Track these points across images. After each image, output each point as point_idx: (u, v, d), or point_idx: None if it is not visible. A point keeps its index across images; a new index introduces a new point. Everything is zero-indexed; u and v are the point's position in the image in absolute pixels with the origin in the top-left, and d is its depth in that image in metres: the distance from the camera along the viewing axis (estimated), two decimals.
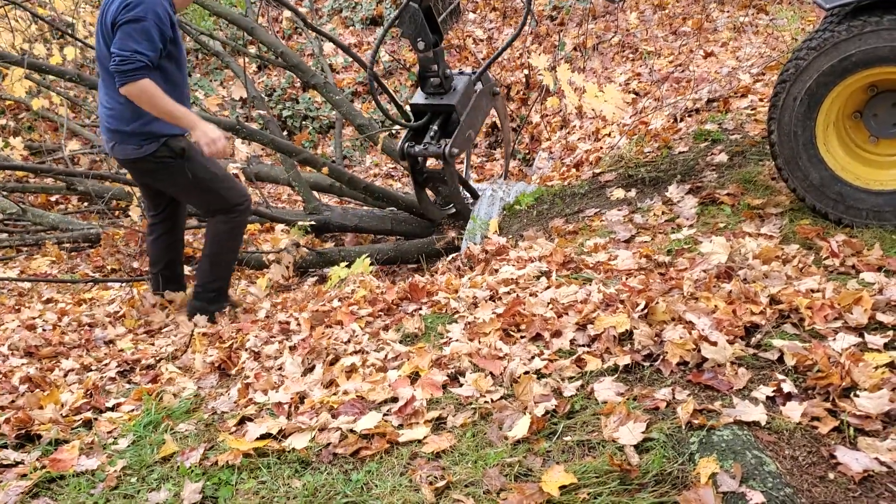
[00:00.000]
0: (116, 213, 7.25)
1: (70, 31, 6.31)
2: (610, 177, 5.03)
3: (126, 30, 3.62)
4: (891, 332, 2.69)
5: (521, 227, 4.73)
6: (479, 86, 4.77)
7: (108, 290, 5.15)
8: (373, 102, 9.52)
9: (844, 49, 3.56)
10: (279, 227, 6.23)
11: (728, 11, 8.23)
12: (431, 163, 5.05)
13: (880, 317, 2.78)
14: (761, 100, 5.73)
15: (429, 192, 5.19)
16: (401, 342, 3.18)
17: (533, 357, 2.81)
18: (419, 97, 4.70)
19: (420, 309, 3.51)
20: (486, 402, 2.59)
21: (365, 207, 6.56)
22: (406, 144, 4.63)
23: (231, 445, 2.47)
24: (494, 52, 9.01)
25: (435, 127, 4.64)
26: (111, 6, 3.71)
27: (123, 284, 5.39)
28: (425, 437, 2.45)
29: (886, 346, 2.61)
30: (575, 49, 8.25)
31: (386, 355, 3.03)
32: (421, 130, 4.69)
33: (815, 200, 3.78)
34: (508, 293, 3.40)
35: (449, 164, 4.60)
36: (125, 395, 3.16)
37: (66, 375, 3.49)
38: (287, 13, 9.85)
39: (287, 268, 5.02)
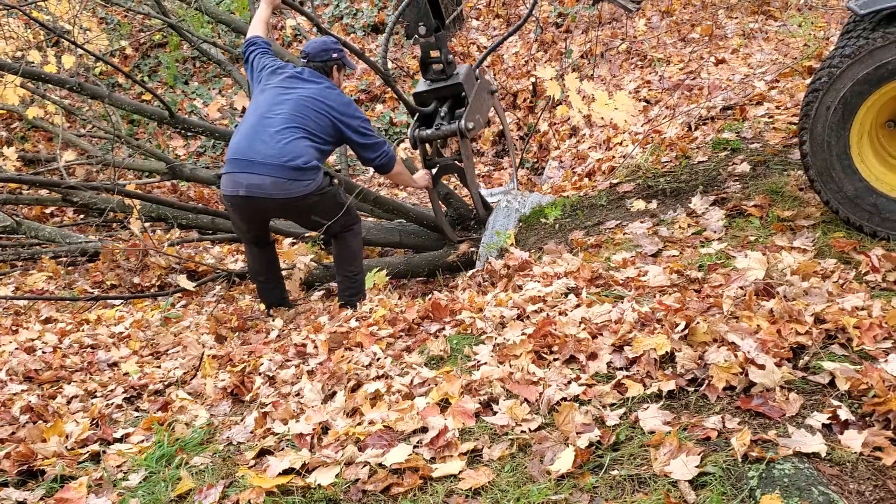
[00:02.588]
0: (115, 225, 7.07)
1: (70, 38, 6.12)
2: (628, 187, 4.89)
3: (366, 127, 4.40)
4: None
5: (539, 240, 4.58)
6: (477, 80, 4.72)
7: (114, 309, 4.97)
8: (375, 110, 9.41)
9: (880, 57, 3.45)
10: (287, 240, 6.06)
11: (737, 18, 8.10)
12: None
13: None
14: (777, 107, 5.60)
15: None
16: (426, 365, 3.01)
17: (569, 382, 2.66)
18: (423, 85, 4.69)
19: (443, 329, 3.35)
20: (523, 431, 2.43)
21: (371, 219, 6.39)
22: (417, 130, 4.64)
23: (253, 483, 2.30)
24: (500, 59, 8.90)
25: (444, 109, 4.65)
26: (333, 97, 4.35)
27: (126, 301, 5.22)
28: (461, 472, 2.28)
29: None
30: (582, 56, 8.11)
31: (411, 380, 2.86)
32: (429, 118, 4.68)
33: (849, 213, 3.64)
34: (537, 312, 3.24)
35: (466, 138, 4.58)
36: (134, 425, 2.98)
37: (69, 403, 3.31)
38: (288, 21, 9.70)
39: (296, 283, 4.87)
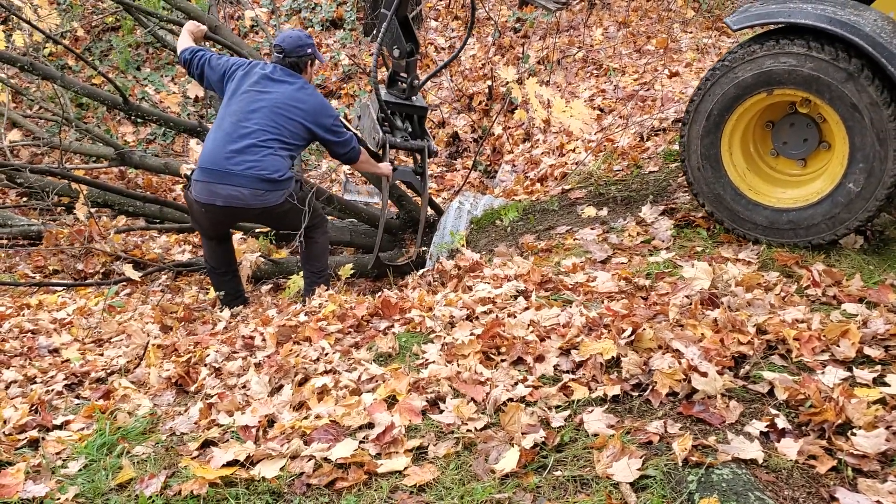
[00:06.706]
0: (59, 210, 6.91)
1: (22, 16, 5.97)
2: (580, 194, 4.95)
3: (337, 126, 4.52)
4: (879, 367, 2.64)
5: (490, 242, 4.61)
6: None
7: (56, 295, 4.86)
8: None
9: (704, 109, 3.71)
10: (236, 235, 5.98)
11: (691, 32, 8.25)
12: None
13: (867, 350, 2.74)
14: None
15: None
16: (374, 362, 3.01)
17: (516, 383, 2.68)
18: (390, 96, 4.81)
19: (392, 327, 3.36)
20: (468, 430, 2.45)
21: None
22: (388, 135, 4.77)
23: (196, 473, 2.27)
24: (457, 61, 8.92)
25: (408, 125, 4.83)
26: (306, 99, 4.39)
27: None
28: (406, 469, 2.29)
29: (875, 381, 2.56)
30: (539, 62, 8.18)
31: (359, 376, 2.86)
32: (391, 125, 4.84)
33: (776, 238, 3.79)
34: (486, 313, 3.27)
35: (431, 157, 4.79)
36: (74, 412, 2.92)
37: (7, 388, 3.23)
38: (247, 12, 9.59)
39: (243, 279, 4.82)
